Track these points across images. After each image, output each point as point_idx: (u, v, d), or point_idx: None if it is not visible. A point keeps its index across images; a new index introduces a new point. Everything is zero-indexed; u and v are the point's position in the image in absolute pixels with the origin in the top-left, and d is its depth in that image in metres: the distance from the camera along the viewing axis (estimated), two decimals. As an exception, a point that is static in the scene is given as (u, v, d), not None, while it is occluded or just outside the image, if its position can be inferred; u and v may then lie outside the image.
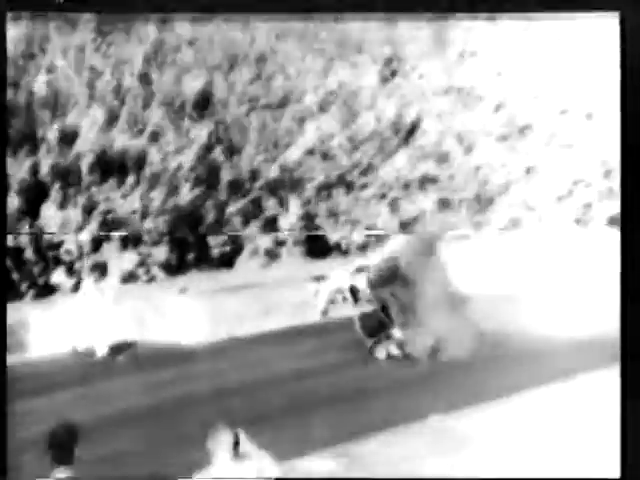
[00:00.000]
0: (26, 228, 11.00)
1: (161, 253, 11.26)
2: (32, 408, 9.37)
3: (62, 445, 6.18)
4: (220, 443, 6.28)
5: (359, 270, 10.91)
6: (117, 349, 10.42)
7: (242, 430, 6.51)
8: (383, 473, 8.73)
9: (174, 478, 7.48)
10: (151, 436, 9.21)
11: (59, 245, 11.04)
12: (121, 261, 11.10)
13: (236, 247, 11.52)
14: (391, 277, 10.67)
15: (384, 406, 9.72)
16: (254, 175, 12.01)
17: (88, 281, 10.63)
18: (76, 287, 10.56)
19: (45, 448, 6.13)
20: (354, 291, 10.78)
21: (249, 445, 6.35)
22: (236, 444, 6.27)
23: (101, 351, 10.40)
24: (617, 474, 8.48)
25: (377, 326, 10.68)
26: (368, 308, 10.74)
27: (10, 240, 10.85)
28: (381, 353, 10.67)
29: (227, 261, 11.53)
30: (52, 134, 11.69)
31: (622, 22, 8.57)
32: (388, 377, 10.31)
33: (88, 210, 11.25)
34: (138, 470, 8.49)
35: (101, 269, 10.92)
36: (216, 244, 11.54)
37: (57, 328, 10.41)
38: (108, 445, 8.80)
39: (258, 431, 7.17)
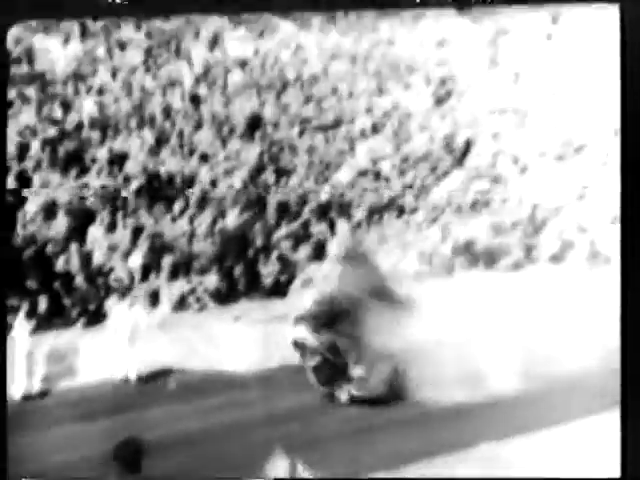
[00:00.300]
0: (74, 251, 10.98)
1: (212, 282, 11.16)
2: (77, 433, 9.41)
3: (130, 457, 6.34)
4: (277, 470, 6.39)
5: (297, 320, 10.20)
6: (156, 376, 10.38)
7: (299, 458, 6.47)
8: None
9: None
10: (200, 460, 9.20)
11: (109, 272, 11.00)
12: (171, 289, 11.03)
13: (288, 276, 11.36)
14: (335, 315, 10.20)
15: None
16: (304, 197, 11.88)
17: (122, 308, 10.61)
18: (125, 314, 10.54)
19: (112, 460, 6.29)
20: (299, 345, 10.25)
21: (306, 473, 6.39)
22: (293, 472, 6.35)
23: (137, 377, 10.38)
24: (617, 474, 8.46)
25: (333, 372, 10.20)
26: (318, 357, 10.23)
27: (60, 265, 10.88)
28: (344, 395, 10.23)
29: (279, 290, 11.38)
30: (102, 155, 11.64)
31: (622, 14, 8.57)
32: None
33: (136, 233, 11.18)
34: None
35: (152, 297, 10.87)
36: (268, 273, 11.42)
37: (103, 355, 10.43)
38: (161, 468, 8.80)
39: (309, 457, 7.10)
